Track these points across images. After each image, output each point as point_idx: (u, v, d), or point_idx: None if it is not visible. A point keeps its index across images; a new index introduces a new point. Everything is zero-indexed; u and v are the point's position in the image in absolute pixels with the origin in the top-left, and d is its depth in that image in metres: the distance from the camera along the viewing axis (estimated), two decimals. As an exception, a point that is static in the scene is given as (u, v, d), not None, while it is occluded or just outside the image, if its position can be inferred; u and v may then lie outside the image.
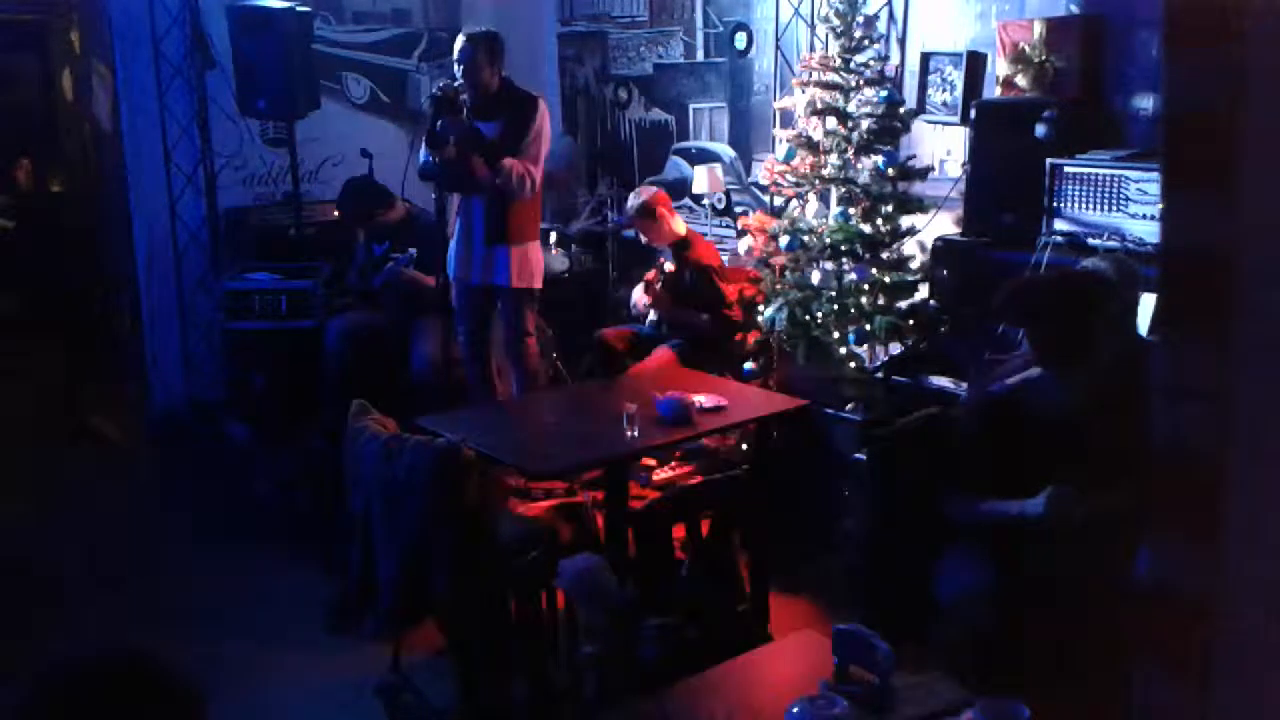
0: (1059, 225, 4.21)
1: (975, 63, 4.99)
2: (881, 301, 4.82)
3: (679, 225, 5.60)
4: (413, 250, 5.46)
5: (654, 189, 5.68)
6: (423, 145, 4.97)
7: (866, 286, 4.79)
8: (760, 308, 5.10)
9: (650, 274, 5.58)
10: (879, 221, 4.80)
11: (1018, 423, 3.07)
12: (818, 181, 4.93)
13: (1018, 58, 4.69)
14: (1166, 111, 1.13)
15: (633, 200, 5.62)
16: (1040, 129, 4.31)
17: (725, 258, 5.94)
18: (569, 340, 6.00)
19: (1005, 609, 2.96)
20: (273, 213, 6.46)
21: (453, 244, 5.11)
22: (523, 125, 4.94)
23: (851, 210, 4.81)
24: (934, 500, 3.21)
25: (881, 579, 3.54)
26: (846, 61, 4.84)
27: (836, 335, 4.84)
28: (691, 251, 5.55)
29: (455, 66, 4.93)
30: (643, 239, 5.76)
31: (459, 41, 4.94)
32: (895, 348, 4.84)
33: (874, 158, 4.77)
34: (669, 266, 5.57)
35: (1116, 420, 3.06)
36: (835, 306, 4.83)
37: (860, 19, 4.80)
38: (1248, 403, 1.07)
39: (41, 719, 1.48)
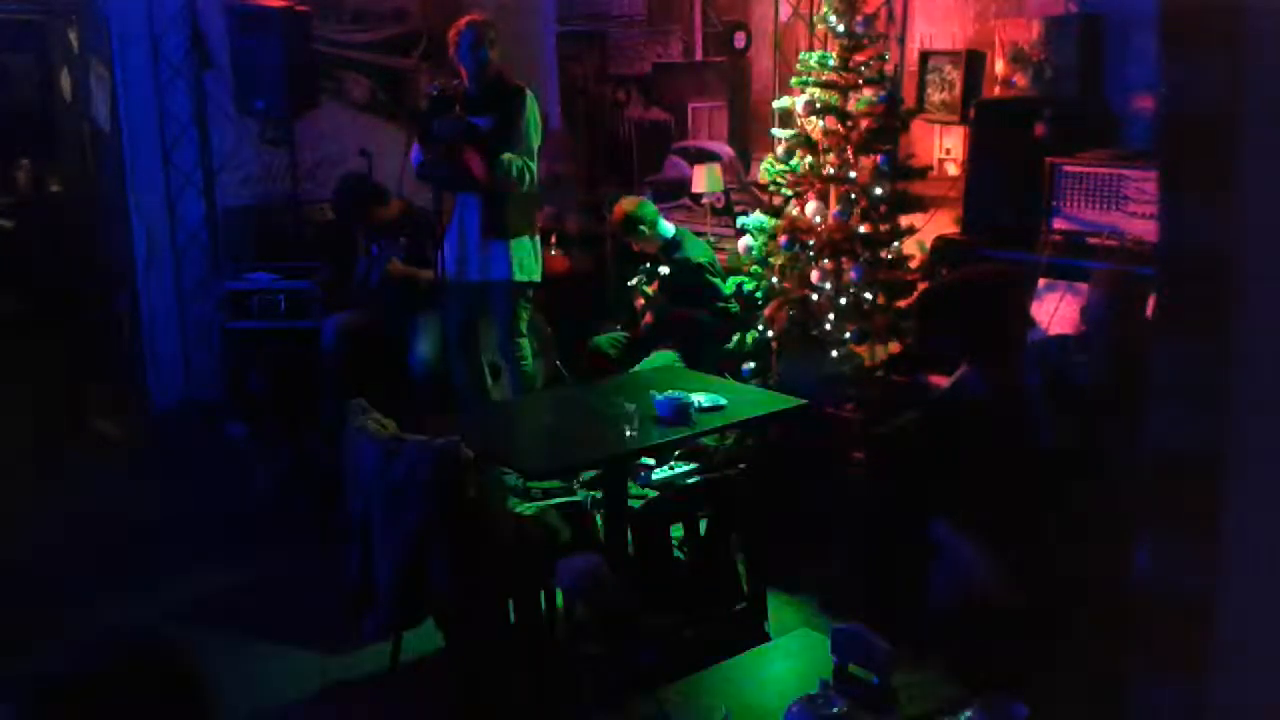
0: (1058, 224, 4.21)
1: (974, 62, 4.99)
2: (881, 301, 4.82)
3: (665, 228, 5.60)
4: (401, 239, 5.44)
5: (632, 200, 5.67)
6: (415, 146, 4.97)
7: (866, 286, 4.79)
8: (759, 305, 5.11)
9: (652, 286, 5.62)
10: (878, 221, 4.80)
11: (956, 423, 3.10)
12: (817, 181, 4.92)
13: (1016, 57, 4.69)
14: (1166, 111, 1.13)
15: (613, 217, 5.64)
16: (1039, 129, 4.31)
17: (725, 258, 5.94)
18: (569, 340, 6.00)
19: (1005, 609, 2.96)
20: (272, 213, 6.46)
21: (447, 242, 5.09)
22: (513, 117, 4.93)
23: (851, 210, 4.81)
24: (932, 500, 3.21)
25: (881, 579, 3.54)
26: (846, 61, 4.84)
27: (836, 335, 4.84)
28: (681, 251, 5.55)
29: (464, 54, 4.89)
30: (634, 247, 5.78)
31: (461, 26, 4.91)
32: (895, 347, 4.84)
33: (873, 157, 4.77)
34: (663, 270, 5.58)
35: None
36: (835, 306, 4.83)
37: (860, 19, 4.80)
38: (1248, 403, 1.07)
39: (57, 711, 1.47)
